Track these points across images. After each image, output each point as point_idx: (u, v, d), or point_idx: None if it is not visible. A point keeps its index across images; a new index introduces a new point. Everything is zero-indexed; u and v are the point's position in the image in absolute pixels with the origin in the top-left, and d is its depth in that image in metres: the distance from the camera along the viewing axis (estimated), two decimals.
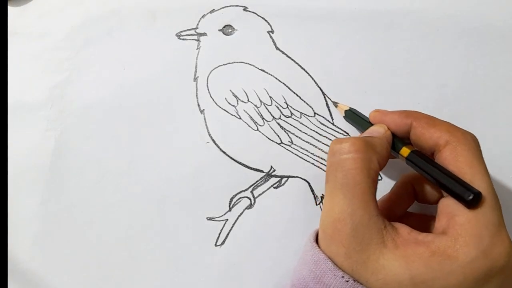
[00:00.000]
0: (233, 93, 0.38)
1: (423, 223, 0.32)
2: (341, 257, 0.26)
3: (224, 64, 0.39)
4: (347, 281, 0.25)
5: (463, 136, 0.27)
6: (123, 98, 0.38)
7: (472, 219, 0.25)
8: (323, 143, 0.37)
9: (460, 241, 0.24)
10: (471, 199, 0.25)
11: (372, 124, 0.32)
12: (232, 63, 0.39)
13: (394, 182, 0.36)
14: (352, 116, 0.35)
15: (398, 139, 0.30)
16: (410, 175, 0.32)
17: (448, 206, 0.26)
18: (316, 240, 0.28)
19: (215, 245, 0.35)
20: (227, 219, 0.35)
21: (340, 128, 0.37)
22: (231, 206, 0.36)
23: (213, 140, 0.37)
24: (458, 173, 0.26)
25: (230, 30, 0.40)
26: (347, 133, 0.37)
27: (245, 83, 0.38)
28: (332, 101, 0.37)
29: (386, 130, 0.30)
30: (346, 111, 0.35)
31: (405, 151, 0.29)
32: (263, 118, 0.37)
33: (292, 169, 0.36)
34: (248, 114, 0.37)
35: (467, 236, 0.24)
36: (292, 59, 0.39)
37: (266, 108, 0.37)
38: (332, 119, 0.37)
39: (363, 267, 0.25)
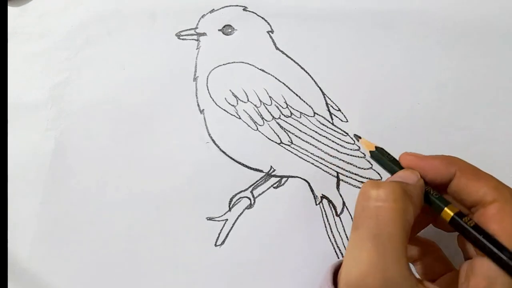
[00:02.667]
0: (232, 93, 0.38)
1: (425, 247, 0.31)
2: None
3: (224, 64, 0.39)
4: None
5: (511, 195, 0.25)
6: (123, 98, 0.38)
7: None
8: (323, 143, 0.37)
9: None
10: None
11: (401, 167, 0.29)
12: (232, 63, 0.39)
13: None
14: (379, 157, 0.30)
15: (434, 193, 0.27)
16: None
17: (489, 270, 0.24)
18: (334, 283, 0.26)
19: (215, 245, 0.35)
20: (227, 219, 0.35)
21: (339, 128, 0.37)
22: (231, 206, 0.36)
23: (213, 140, 0.37)
24: (503, 236, 0.24)
25: (230, 30, 0.40)
26: (346, 133, 0.37)
27: (245, 83, 0.38)
28: (354, 135, 0.34)
29: (419, 178, 0.27)
30: (372, 152, 0.30)
31: (447, 214, 0.26)
32: (262, 118, 0.37)
33: (292, 169, 0.36)
34: (247, 114, 0.37)
35: None
36: (292, 59, 0.39)
37: (266, 108, 0.37)
38: (332, 119, 0.37)
39: None
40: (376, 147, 0.30)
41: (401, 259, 0.24)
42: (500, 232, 0.24)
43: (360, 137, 0.32)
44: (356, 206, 0.26)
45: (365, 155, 0.36)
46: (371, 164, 0.36)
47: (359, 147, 0.37)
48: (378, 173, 0.36)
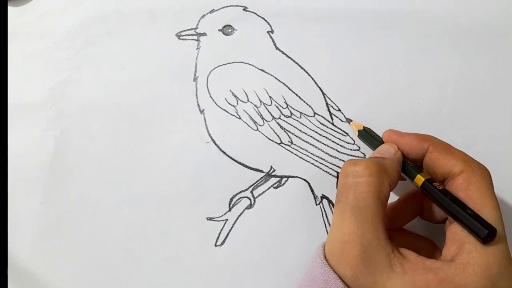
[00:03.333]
0: (233, 93, 0.38)
1: (414, 242, 0.32)
2: (347, 279, 0.26)
3: (224, 64, 0.39)
4: None
5: (478, 167, 0.28)
6: (123, 98, 0.38)
7: (480, 248, 0.25)
8: (322, 143, 0.37)
9: (469, 270, 0.25)
10: (485, 236, 0.25)
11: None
12: (232, 63, 0.39)
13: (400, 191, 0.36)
14: (365, 135, 0.35)
15: (410, 163, 0.30)
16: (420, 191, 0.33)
17: (457, 234, 0.27)
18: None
19: (215, 245, 0.35)
20: (227, 219, 0.35)
21: (339, 128, 0.37)
22: (231, 206, 0.36)
23: (213, 140, 0.37)
24: (468, 202, 0.27)
25: (230, 30, 0.40)
26: (346, 133, 0.37)
27: (245, 83, 0.38)
28: (346, 118, 0.37)
29: (397, 151, 0.31)
30: (359, 131, 0.35)
31: (419, 179, 0.29)
32: (263, 118, 0.37)
33: (292, 169, 0.36)
34: (248, 114, 0.37)
35: (475, 264, 0.25)
36: (292, 59, 0.39)
37: (266, 108, 0.37)
38: (332, 119, 0.37)
39: None
40: (364, 127, 0.35)
41: (378, 227, 0.26)
42: (466, 199, 0.27)
43: (351, 120, 0.37)
44: (338, 183, 0.29)
45: (365, 155, 0.37)
46: None
47: (359, 147, 0.37)
48: None
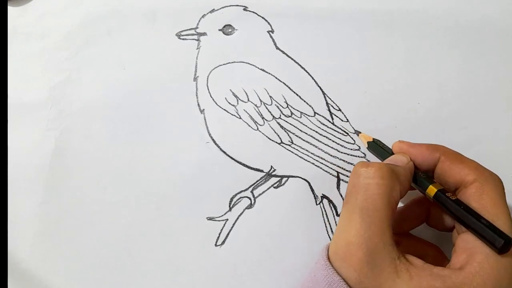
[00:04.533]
0: (233, 92, 0.38)
1: (421, 248, 0.32)
2: (351, 281, 0.25)
3: (224, 64, 0.39)
4: None
5: (491, 176, 0.28)
6: (123, 98, 0.38)
7: (492, 259, 0.25)
8: (323, 143, 0.37)
9: (478, 280, 0.24)
10: (501, 245, 0.24)
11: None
12: (232, 62, 0.39)
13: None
14: (375, 147, 0.34)
15: (422, 174, 0.30)
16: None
17: (468, 243, 0.26)
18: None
19: (215, 245, 0.35)
20: (227, 219, 0.35)
21: (340, 128, 0.37)
22: (231, 206, 0.36)
23: (213, 140, 0.37)
24: (482, 211, 0.26)
25: (230, 30, 0.40)
26: (346, 133, 0.37)
27: (245, 83, 0.38)
28: (354, 130, 0.37)
29: (409, 161, 0.30)
30: (369, 143, 0.35)
31: (431, 189, 0.29)
32: (263, 118, 0.37)
33: (292, 169, 0.36)
34: (248, 113, 0.37)
35: (485, 275, 0.24)
36: (292, 59, 0.39)
37: (266, 108, 0.37)
38: (332, 119, 0.37)
39: None
40: (374, 139, 0.35)
41: (385, 231, 0.26)
42: (480, 208, 0.26)
43: (360, 132, 0.37)
44: (348, 183, 0.28)
45: (365, 154, 0.37)
46: None
47: (359, 146, 0.37)
48: None
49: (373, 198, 0.26)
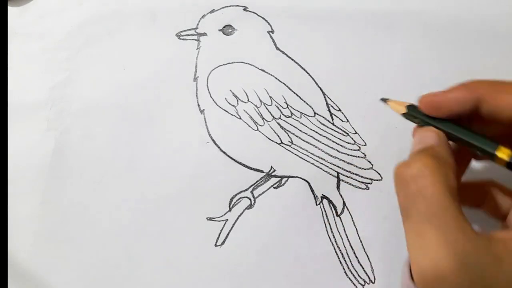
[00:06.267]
0: (233, 93, 0.38)
1: (482, 190, 0.29)
2: None
3: (224, 64, 0.39)
4: None
5: None
6: (123, 98, 0.38)
7: None
8: (323, 143, 0.37)
9: None
10: None
11: (433, 119, 0.27)
12: (232, 63, 0.39)
13: None
14: (414, 112, 0.28)
15: (475, 134, 0.24)
16: (488, 181, 0.28)
17: None
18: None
19: (215, 245, 0.35)
20: (227, 219, 0.35)
21: (340, 128, 0.37)
22: (231, 206, 0.36)
23: (213, 140, 0.37)
24: None
25: (230, 30, 0.40)
26: (346, 133, 0.37)
27: (245, 83, 0.38)
28: (381, 99, 0.30)
29: (438, 132, 0.26)
30: (408, 106, 0.28)
31: (504, 151, 0.23)
32: (263, 118, 0.37)
33: (292, 169, 0.36)
34: (248, 114, 0.37)
35: None
36: (292, 59, 0.39)
37: (266, 108, 0.37)
38: (332, 119, 0.37)
39: None
40: (407, 107, 0.28)
41: (465, 226, 0.22)
42: None
43: (387, 99, 0.30)
44: (397, 195, 0.24)
45: (365, 155, 0.36)
46: (372, 164, 0.36)
47: (359, 147, 0.37)
48: (379, 173, 0.36)
49: (435, 199, 0.22)
